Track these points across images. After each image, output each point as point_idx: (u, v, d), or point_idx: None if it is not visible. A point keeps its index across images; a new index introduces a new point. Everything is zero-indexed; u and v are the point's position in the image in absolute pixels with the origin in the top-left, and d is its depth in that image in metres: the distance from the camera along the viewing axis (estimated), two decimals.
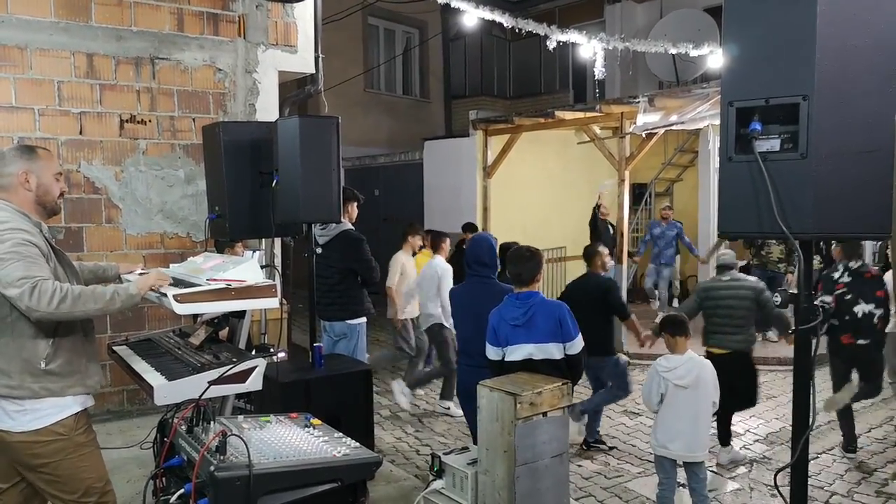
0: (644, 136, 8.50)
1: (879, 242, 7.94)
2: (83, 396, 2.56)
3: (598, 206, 9.22)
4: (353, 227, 4.92)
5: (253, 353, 2.78)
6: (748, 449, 5.14)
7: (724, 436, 4.86)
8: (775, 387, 6.73)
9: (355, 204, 5.05)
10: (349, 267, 4.81)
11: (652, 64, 11.63)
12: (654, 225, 9.69)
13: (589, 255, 5.27)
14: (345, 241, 4.78)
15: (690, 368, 3.78)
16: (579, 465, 4.87)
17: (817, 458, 4.97)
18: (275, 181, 3.50)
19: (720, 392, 3.92)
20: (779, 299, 2.14)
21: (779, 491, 2.21)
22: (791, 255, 8.21)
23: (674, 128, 8.51)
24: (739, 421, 5.67)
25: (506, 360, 3.47)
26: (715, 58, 8.94)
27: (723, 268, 5.03)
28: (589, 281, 5.16)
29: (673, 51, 8.97)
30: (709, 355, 4.58)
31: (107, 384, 5.00)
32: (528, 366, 3.40)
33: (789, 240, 1.94)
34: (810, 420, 2.14)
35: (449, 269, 5.89)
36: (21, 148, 2.59)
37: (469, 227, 8.66)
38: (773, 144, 1.99)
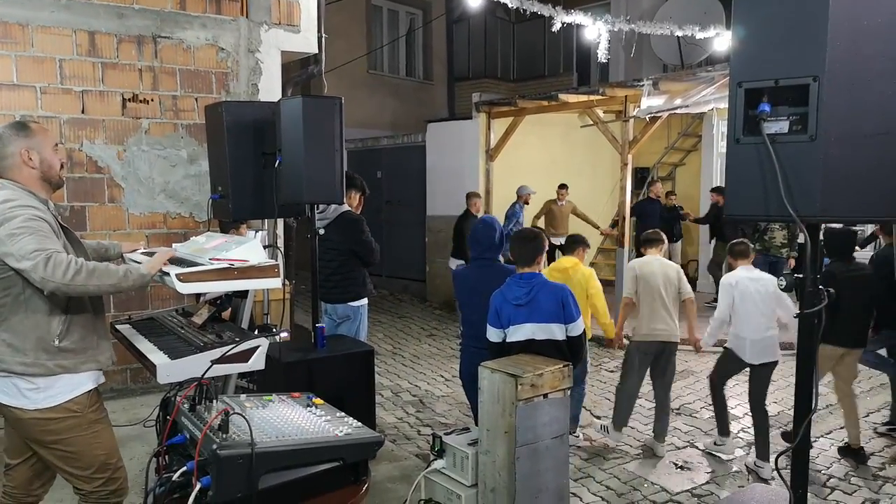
0: (648, 119, 8.45)
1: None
2: (96, 373, 2.58)
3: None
4: (351, 209, 4.88)
5: (255, 332, 2.78)
6: (747, 432, 5.15)
7: None
8: (774, 372, 6.71)
9: (360, 195, 4.93)
10: (350, 249, 4.79)
11: (657, 47, 11.54)
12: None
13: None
14: (344, 222, 4.75)
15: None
16: (578, 447, 4.90)
17: (816, 441, 5.00)
18: (278, 162, 3.49)
19: None
20: (783, 283, 2.12)
21: (779, 474, 2.22)
22: (794, 241, 8.20)
23: (678, 111, 8.47)
24: (738, 405, 5.70)
25: (507, 340, 3.49)
26: (721, 41, 8.87)
27: None
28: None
29: (678, 33, 8.90)
30: None
31: None
32: (529, 347, 3.41)
33: (796, 222, 1.92)
34: (813, 404, 2.14)
35: None
36: (15, 125, 2.53)
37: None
38: (781, 126, 1.96)
